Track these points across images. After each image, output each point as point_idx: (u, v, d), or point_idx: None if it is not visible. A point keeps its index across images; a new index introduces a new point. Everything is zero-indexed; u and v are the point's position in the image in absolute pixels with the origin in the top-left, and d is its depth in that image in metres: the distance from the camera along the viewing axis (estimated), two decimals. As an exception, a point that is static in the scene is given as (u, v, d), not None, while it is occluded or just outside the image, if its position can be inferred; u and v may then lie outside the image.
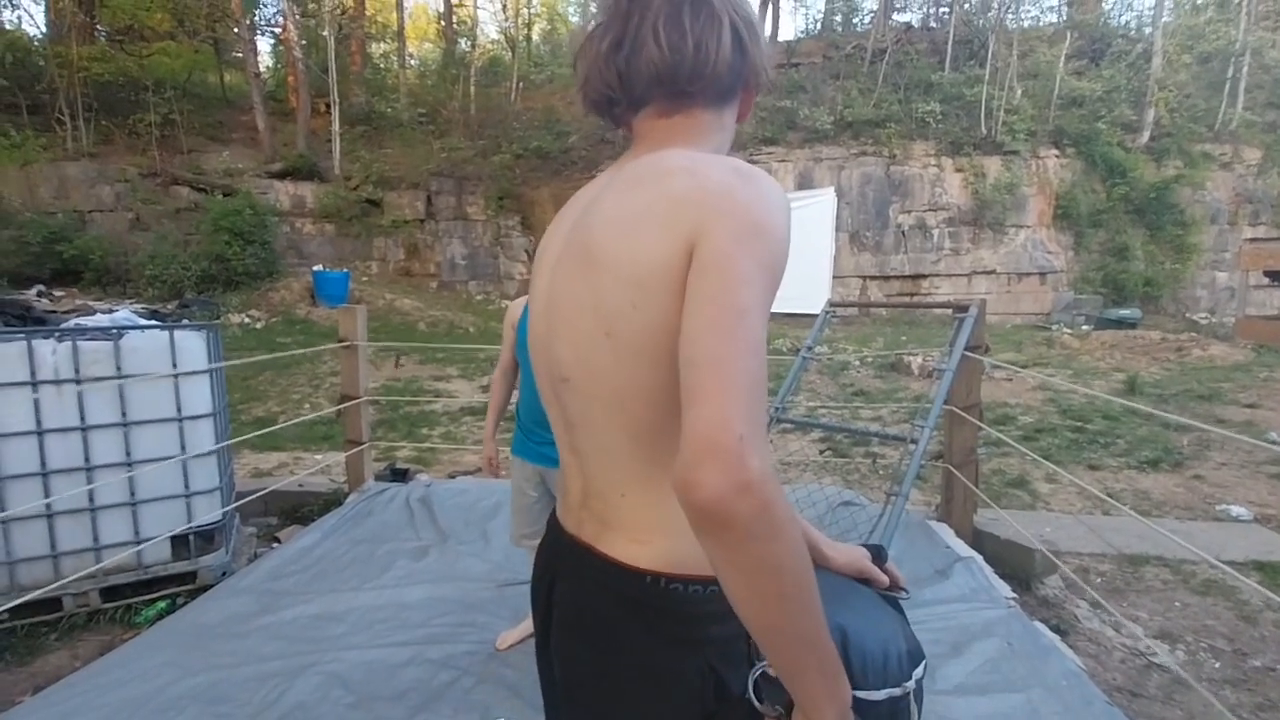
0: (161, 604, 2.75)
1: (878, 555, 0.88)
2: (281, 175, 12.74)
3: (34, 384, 2.48)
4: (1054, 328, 11.46)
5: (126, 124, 12.44)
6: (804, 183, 12.79)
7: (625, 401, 0.68)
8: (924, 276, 12.80)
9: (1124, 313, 11.38)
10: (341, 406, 3.70)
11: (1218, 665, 2.42)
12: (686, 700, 0.69)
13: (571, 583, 0.79)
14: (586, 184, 0.79)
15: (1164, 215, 12.59)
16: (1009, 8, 15.17)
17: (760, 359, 0.56)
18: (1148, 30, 15.15)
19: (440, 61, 18.52)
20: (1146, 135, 13.12)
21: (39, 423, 2.50)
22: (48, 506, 2.51)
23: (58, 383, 2.52)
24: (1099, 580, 3.01)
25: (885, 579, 0.85)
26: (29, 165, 11.23)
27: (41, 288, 9.71)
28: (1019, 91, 13.46)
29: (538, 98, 15.71)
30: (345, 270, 11.53)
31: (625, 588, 0.71)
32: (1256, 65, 13.90)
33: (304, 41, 14.49)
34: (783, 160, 12.91)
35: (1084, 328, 11.28)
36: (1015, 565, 2.94)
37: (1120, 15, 18.12)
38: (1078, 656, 2.31)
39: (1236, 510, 3.80)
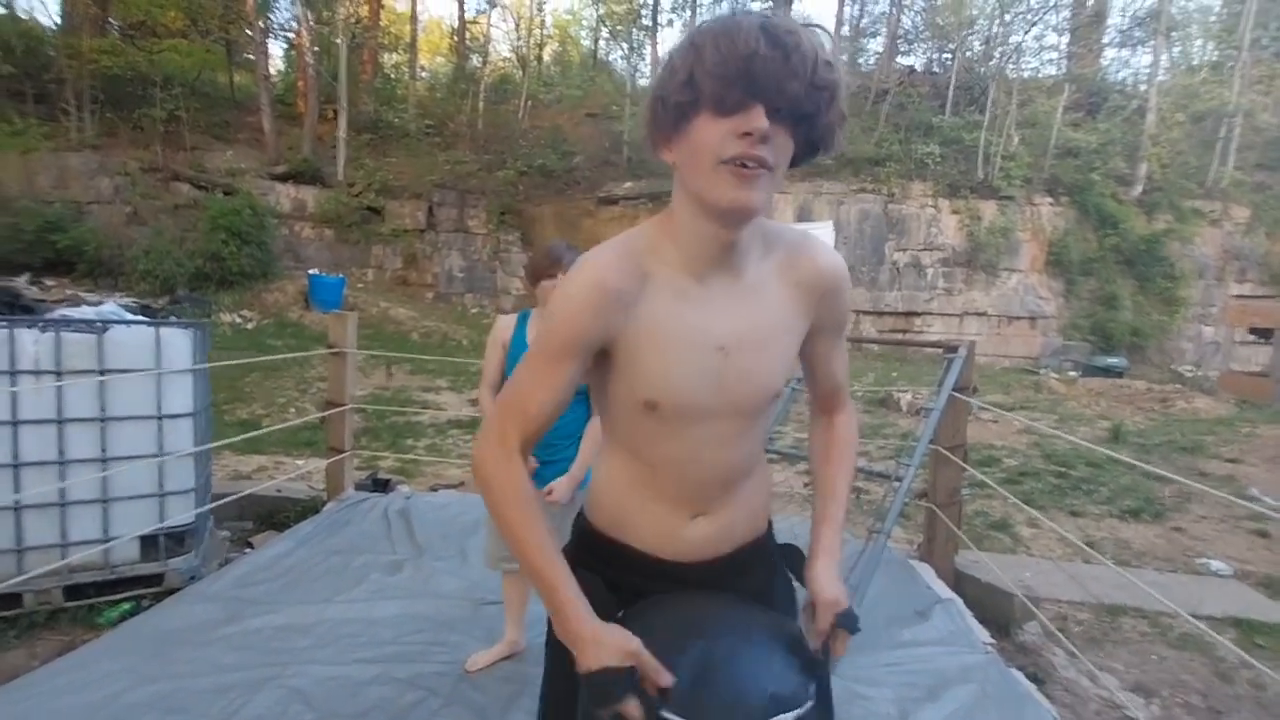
0: (126, 605, 2.69)
1: (843, 622, 0.88)
2: (284, 178, 12.76)
3: (12, 373, 2.45)
4: (1042, 372, 11.55)
5: (132, 118, 12.44)
6: (803, 215, 12.95)
7: None
8: (917, 314, 12.91)
9: (1111, 361, 11.49)
10: (326, 413, 3.66)
11: (1192, 722, 2.41)
12: None
13: None
14: None
15: (1153, 267, 12.79)
16: (1010, 57, 15.55)
17: (515, 387, 0.86)
18: (1143, 87, 15.54)
19: (450, 75, 18.71)
20: (1139, 188, 13.39)
21: (14, 413, 2.46)
22: (16, 500, 2.47)
23: (37, 373, 2.49)
24: (1077, 629, 3.00)
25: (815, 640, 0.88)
26: (30, 153, 11.19)
27: (31, 275, 9.63)
28: (1016, 139, 13.73)
29: (545, 117, 15.87)
30: (341, 276, 11.50)
31: None
32: (1248, 126, 14.25)
33: (316, 48, 14.61)
34: (784, 192, 13.07)
35: (1071, 374, 11.38)
36: (994, 610, 2.92)
37: (1118, 71, 18.59)
38: (1053, 706, 2.28)
39: (1216, 564, 3.81)
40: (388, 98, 16.33)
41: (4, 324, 2.50)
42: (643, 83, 17.43)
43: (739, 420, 0.88)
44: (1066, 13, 17.23)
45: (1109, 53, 18.33)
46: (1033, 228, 12.92)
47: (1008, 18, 15.57)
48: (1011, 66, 15.46)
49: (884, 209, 12.94)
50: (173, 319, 3.19)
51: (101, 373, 2.58)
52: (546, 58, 21.22)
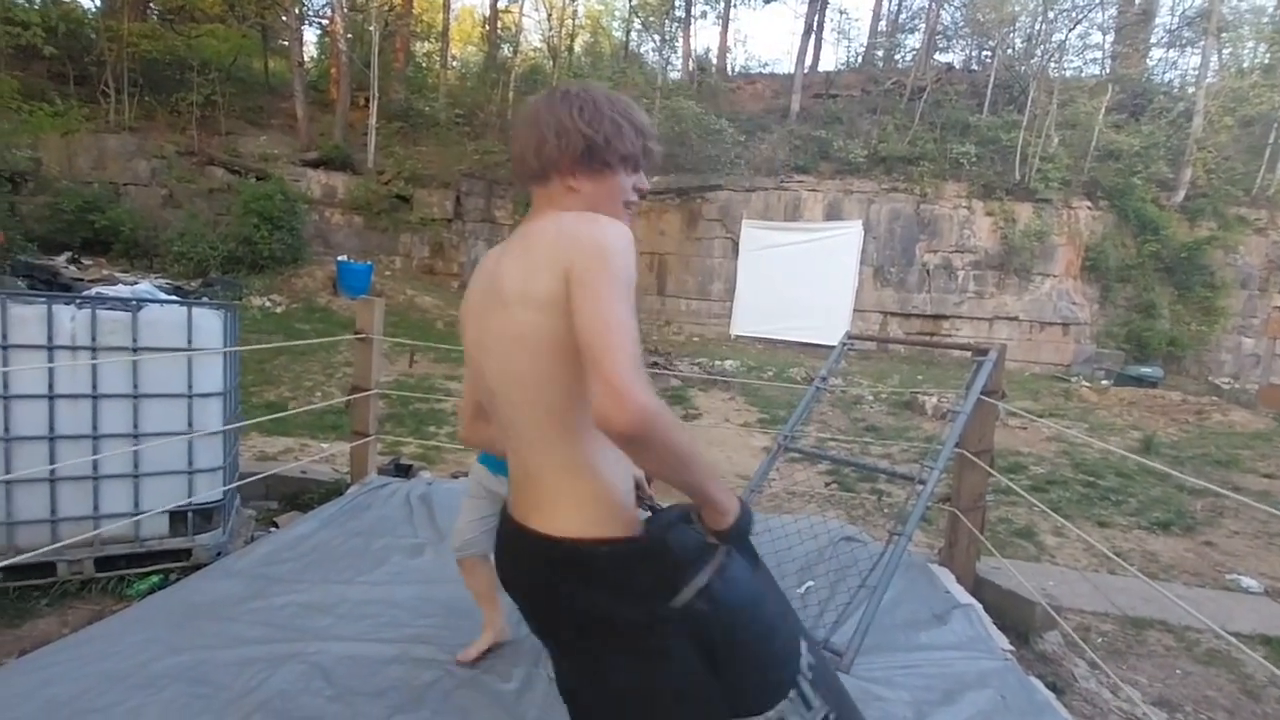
0: (154, 578, 2.76)
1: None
2: (315, 164, 12.93)
3: (50, 348, 2.52)
4: (1073, 380, 11.30)
5: (169, 102, 12.69)
6: (832, 214, 12.78)
7: (541, 393, 0.97)
8: (945, 317, 12.70)
9: (1145, 370, 11.19)
10: (351, 397, 3.71)
11: (1219, 742, 2.35)
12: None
13: (524, 560, 1.04)
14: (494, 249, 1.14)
15: (1194, 276, 12.41)
16: (1052, 56, 15.14)
17: (628, 327, 0.87)
18: (1191, 89, 15.05)
19: (481, 65, 18.77)
20: (1182, 194, 12.98)
21: (51, 387, 2.53)
22: (52, 471, 2.54)
23: (74, 349, 2.56)
24: (1100, 640, 2.93)
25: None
26: (70, 134, 11.45)
27: (70, 255, 9.89)
28: (1056, 140, 13.39)
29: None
30: (369, 263, 11.64)
31: (550, 553, 0.97)
32: (1299, 132, 13.72)
33: (349, 35, 14.76)
34: (813, 190, 12.91)
35: (1104, 382, 11.12)
36: (1015, 617, 2.87)
37: (1164, 73, 17.99)
38: (1073, 717, 2.24)
39: (1247, 581, 3.70)
40: (419, 86, 16.45)
41: (42, 300, 2.57)
42: (674, 75, 17.32)
43: None
44: (1113, 10, 16.73)
45: (1156, 53, 17.75)
46: (1069, 232, 12.60)
47: (1051, 15, 15.17)
48: (1053, 65, 15.05)
49: (915, 209, 12.71)
50: (205, 300, 3.25)
51: (135, 350, 2.64)
52: (577, 48, 21.18)
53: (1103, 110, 13.40)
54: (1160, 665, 2.79)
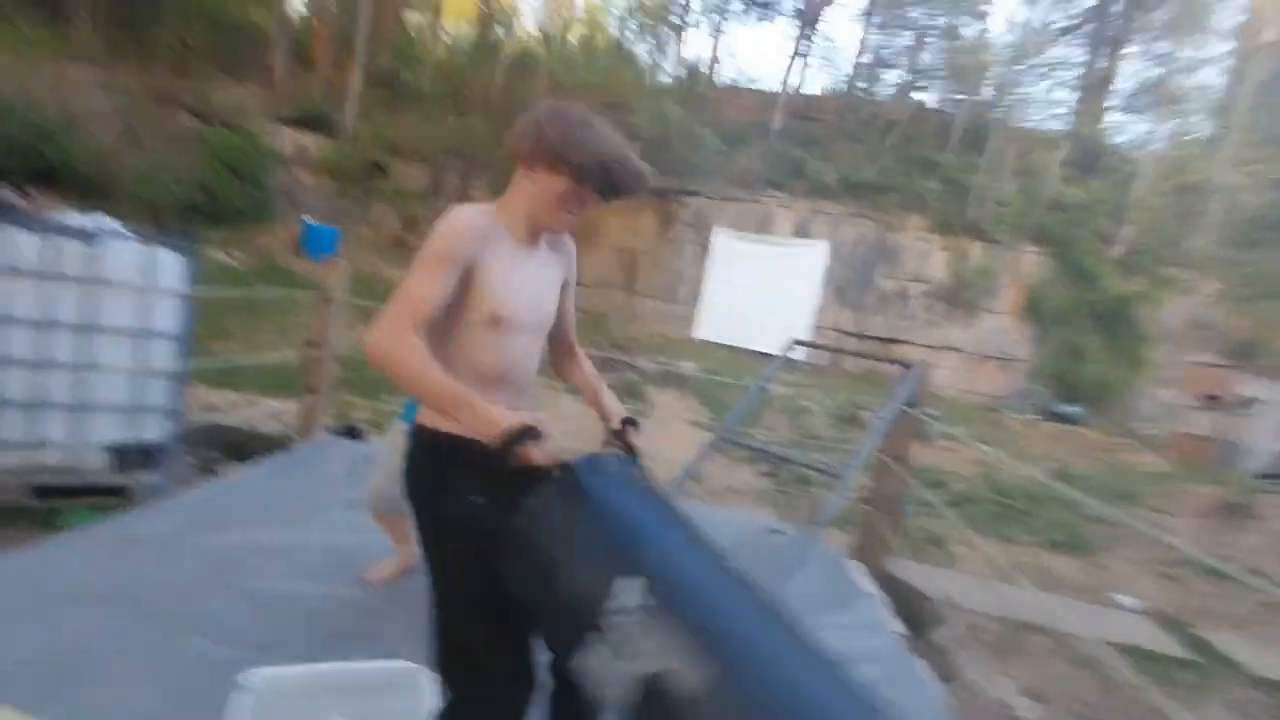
0: (86, 510, 2.77)
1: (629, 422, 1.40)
2: (290, 122, 12.64)
3: (7, 272, 2.52)
4: (1004, 411, 11.91)
5: (140, 38, 12.22)
6: (800, 232, 13.19)
7: None
8: (896, 341, 13.22)
9: (1070, 409, 11.89)
10: (306, 353, 3.74)
11: (1074, 728, 2.63)
12: None
13: None
14: None
15: (1123, 326, 13.23)
16: (1017, 107, 15.89)
17: (406, 292, 1.17)
18: (1138, 153, 16.00)
19: (473, 43, 18.57)
20: (1120, 249, 13.82)
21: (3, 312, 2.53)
22: (-1, 392, 2.54)
23: (30, 276, 2.57)
24: (987, 638, 3.22)
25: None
26: (29, 59, 10.91)
27: (10, 183, 9.40)
28: (1012, 186, 14.10)
29: (563, 98, 15.81)
30: (336, 227, 11.45)
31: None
32: (1230, 203, 14.76)
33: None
34: (785, 206, 13.30)
35: (1031, 417, 11.75)
36: (913, 610, 3.12)
37: (1115, 135, 19.04)
38: (950, 699, 2.48)
39: (1129, 600, 4.07)
40: (407, 56, 16.17)
41: (2, 224, 2.58)
42: (662, 79, 17.52)
43: (539, 335, 1.36)
44: (1079, 70, 17.68)
45: (1112, 116, 18.78)
46: (1014, 273, 13.30)
47: (1020, 67, 15.96)
48: (1017, 116, 15.80)
49: (879, 236, 13.23)
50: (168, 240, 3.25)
51: (92, 282, 2.66)
52: (572, 40, 21.17)
53: (1057, 163, 14.16)
54: (1037, 663, 3.08)
